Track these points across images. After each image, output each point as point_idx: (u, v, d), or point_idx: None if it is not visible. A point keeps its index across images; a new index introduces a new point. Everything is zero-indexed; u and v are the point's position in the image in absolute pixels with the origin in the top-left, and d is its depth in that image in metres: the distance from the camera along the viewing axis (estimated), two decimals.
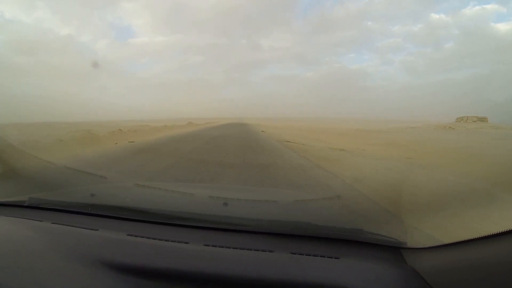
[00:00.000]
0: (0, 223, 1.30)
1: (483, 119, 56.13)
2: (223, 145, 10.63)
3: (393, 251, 1.16)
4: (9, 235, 1.18)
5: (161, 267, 0.99)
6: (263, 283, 0.95)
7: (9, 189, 2.83)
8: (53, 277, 0.91)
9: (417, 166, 6.77)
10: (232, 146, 10.45)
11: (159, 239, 1.15)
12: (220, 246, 1.12)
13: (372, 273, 1.03)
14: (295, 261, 1.07)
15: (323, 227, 1.25)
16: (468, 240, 0.94)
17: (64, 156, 6.83)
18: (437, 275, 0.95)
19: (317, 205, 2.03)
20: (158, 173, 5.02)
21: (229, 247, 1.12)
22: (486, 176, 5.19)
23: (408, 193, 3.35)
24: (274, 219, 1.39)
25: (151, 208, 1.41)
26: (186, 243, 1.13)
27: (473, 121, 55.12)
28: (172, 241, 1.14)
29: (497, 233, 0.85)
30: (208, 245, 1.12)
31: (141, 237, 1.16)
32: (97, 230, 1.22)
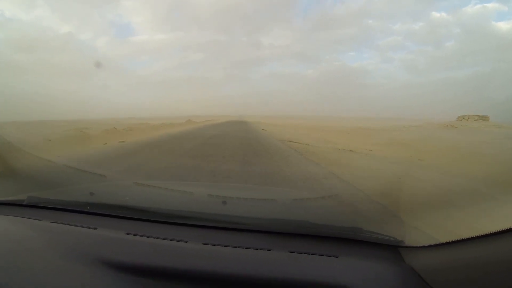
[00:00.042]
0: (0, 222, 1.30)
1: (484, 118, 55.61)
2: (220, 147, 9.52)
3: (392, 249, 1.16)
4: (8, 234, 1.18)
5: (160, 265, 0.99)
6: (262, 281, 0.95)
7: (7, 188, 2.76)
8: (52, 276, 0.91)
9: (439, 172, 6.09)
10: (230, 148, 9.39)
11: (158, 238, 1.14)
12: (219, 245, 1.11)
13: (371, 272, 1.03)
14: (294, 259, 1.07)
15: (322, 225, 1.27)
16: (466, 239, 0.93)
17: (46, 157, 6.17)
18: (435, 274, 0.95)
19: (316, 203, 1.99)
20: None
21: (228, 246, 1.11)
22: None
23: (459, 219, 2.68)
24: (273, 218, 1.38)
25: (150, 206, 1.40)
26: (185, 241, 1.13)
27: (475, 120, 54.30)
28: (171, 240, 1.14)
29: (495, 232, 0.84)
30: (207, 244, 1.11)
31: (140, 235, 1.16)
32: (96, 229, 1.22)
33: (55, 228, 1.24)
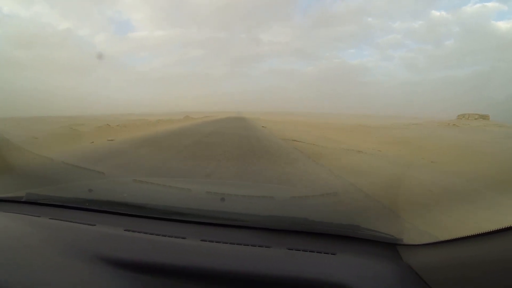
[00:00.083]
0: None
1: (484, 117, 55.01)
2: (216, 147, 8.51)
3: (389, 247, 1.16)
4: (7, 231, 1.17)
5: (158, 262, 0.99)
6: (260, 278, 0.95)
7: (6, 184, 2.72)
8: (51, 273, 0.91)
9: (463, 179, 5.47)
10: (227, 148, 8.21)
11: (156, 234, 1.14)
12: (217, 242, 1.11)
13: (368, 269, 1.03)
14: (292, 256, 1.07)
15: (320, 223, 1.26)
16: (464, 237, 0.93)
17: (25, 157, 5.48)
18: (432, 272, 0.95)
19: (314, 201, 1.99)
20: None
21: (226, 243, 1.11)
22: None
23: None
24: (271, 215, 1.36)
25: (148, 203, 1.40)
26: (183, 238, 1.13)
27: (475, 119, 53.90)
28: (169, 236, 1.13)
29: (492, 231, 0.84)
30: (205, 241, 1.12)
31: (139, 232, 1.16)
32: (95, 225, 1.22)
33: (54, 225, 1.24)
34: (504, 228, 0.80)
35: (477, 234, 0.88)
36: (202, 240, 1.11)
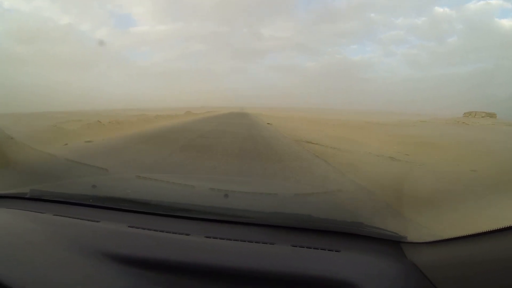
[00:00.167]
0: (2, 215, 1.30)
1: (492, 115, 54.29)
2: (215, 151, 6.78)
3: (393, 245, 1.15)
4: (11, 227, 1.18)
5: (162, 258, 0.99)
6: (264, 275, 0.95)
7: (9, 180, 2.64)
8: (55, 269, 0.92)
9: None
10: (228, 152, 6.56)
11: (160, 231, 1.15)
12: (221, 238, 1.12)
13: (372, 267, 1.03)
14: (296, 253, 1.07)
15: (324, 220, 1.26)
16: (468, 235, 0.93)
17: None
18: (437, 270, 0.95)
19: (318, 198, 2.00)
20: None
21: (230, 239, 1.11)
22: None
23: None
24: (275, 212, 1.36)
25: (152, 199, 1.40)
26: (187, 234, 1.13)
27: (482, 117, 52.98)
28: (173, 233, 1.14)
29: (497, 229, 0.83)
30: (209, 237, 1.12)
31: (142, 228, 1.16)
32: (99, 221, 1.22)
33: (58, 221, 1.24)
34: (509, 226, 0.80)
35: (482, 233, 0.87)
36: (206, 237, 1.11)
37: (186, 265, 0.96)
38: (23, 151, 5.33)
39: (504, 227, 0.81)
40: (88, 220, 1.22)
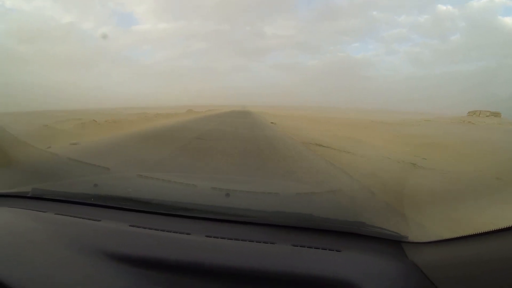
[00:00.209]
0: (4, 214, 1.31)
1: (496, 114, 53.60)
2: (211, 156, 5.96)
3: (394, 244, 1.15)
4: (13, 226, 1.18)
5: (163, 258, 0.99)
6: (265, 274, 0.95)
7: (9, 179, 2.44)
8: (56, 268, 0.92)
9: None
10: (227, 160, 5.62)
11: (161, 230, 1.15)
12: (222, 238, 1.12)
13: (373, 266, 1.03)
14: (297, 253, 1.06)
15: (325, 219, 1.26)
16: (469, 235, 0.93)
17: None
18: (437, 270, 0.95)
19: (319, 198, 1.96)
20: None
21: (231, 239, 1.11)
22: None
23: None
24: (276, 211, 1.35)
25: (154, 199, 1.40)
26: (188, 234, 1.13)
27: (486, 116, 52.27)
28: (174, 232, 1.14)
29: (498, 229, 0.83)
30: (210, 236, 1.12)
31: (144, 228, 1.16)
32: (100, 220, 1.22)
33: (60, 220, 1.24)
34: (510, 226, 0.80)
35: (483, 233, 0.87)
36: (207, 236, 1.11)
37: (187, 264, 0.97)
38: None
39: (505, 227, 0.81)
40: (89, 219, 1.22)
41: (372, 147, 9.61)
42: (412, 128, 23.18)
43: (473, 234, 0.90)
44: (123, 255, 0.97)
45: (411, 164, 6.07)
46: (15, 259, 0.91)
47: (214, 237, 1.10)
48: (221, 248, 1.06)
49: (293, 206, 1.57)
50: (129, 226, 1.16)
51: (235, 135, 10.91)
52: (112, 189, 1.65)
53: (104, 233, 1.14)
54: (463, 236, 0.94)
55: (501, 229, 0.81)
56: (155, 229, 1.14)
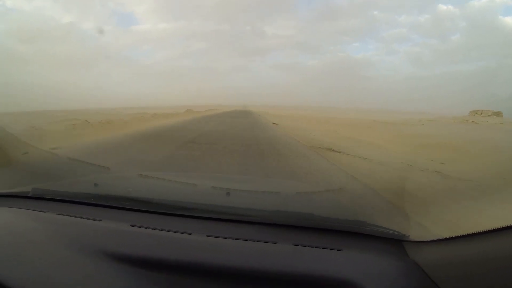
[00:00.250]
0: (4, 214, 1.30)
1: (498, 114, 53.70)
2: (206, 164, 5.36)
3: (396, 243, 1.15)
4: (13, 226, 1.18)
5: (164, 257, 0.99)
6: (266, 274, 0.95)
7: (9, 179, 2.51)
8: (56, 268, 0.91)
9: None
10: (225, 169, 4.97)
11: (162, 230, 1.14)
12: (223, 237, 1.11)
13: (374, 265, 1.02)
14: (298, 252, 1.06)
15: (326, 218, 1.26)
16: (470, 234, 0.92)
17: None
18: (439, 269, 0.94)
19: (320, 197, 1.95)
20: None
21: (232, 238, 1.11)
22: None
23: None
24: (277, 210, 1.35)
25: (154, 198, 1.40)
26: (189, 233, 1.13)
27: (488, 116, 52.16)
28: (175, 232, 1.13)
29: (499, 228, 0.82)
30: (211, 236, 1.11)
31: (144, 227, 1.16)
32: (101, 220, 1.22)
33: (60, 220, 1.23)
34: (511, 225, 0.80)
35: (484, 231, 0.87)
36: (208, 236, 1.11)
37: (188, 264, 0.96)
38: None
39: (507, 226, 0.80)
40: (90, 219, 1.22)
41: (383, 150, 8.91)
42: (416, 128, 22.60)
43: (475, 233, 0.90)
44: (124, 255, 0.96)
45: (436, 173, 5.34)
46: (15, 259, 0.91)
47: (215, 236, 1.10)
48: (222, 247, 1.06)
49: (293, 205, 1.57)
50: (130, 226, 1.16)
51: (234, 137, 10.19)
52: (113, 189, 1.66)
53: (105, 233, 1.13)
54: (464, 235, 0.93)
55: (503, 227, 0.81)
56: (156, 229, 1.13)
